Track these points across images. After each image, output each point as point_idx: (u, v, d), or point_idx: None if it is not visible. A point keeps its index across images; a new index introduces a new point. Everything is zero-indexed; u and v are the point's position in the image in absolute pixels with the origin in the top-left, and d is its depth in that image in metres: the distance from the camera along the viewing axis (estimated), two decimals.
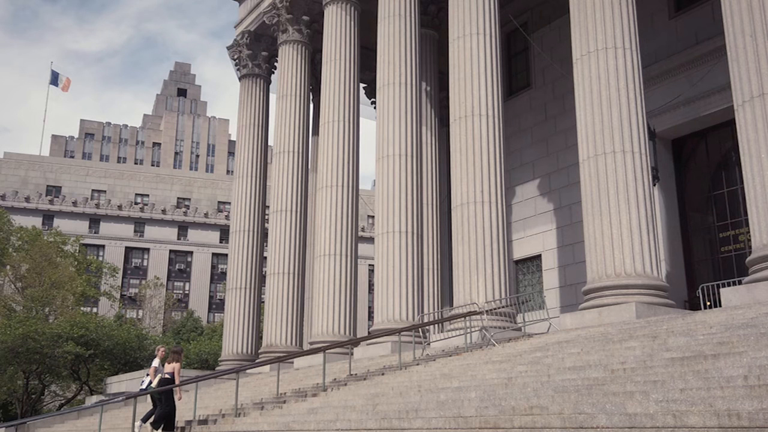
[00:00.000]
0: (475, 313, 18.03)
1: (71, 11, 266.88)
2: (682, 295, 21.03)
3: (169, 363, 15.70)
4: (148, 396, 16.18)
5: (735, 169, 20.36)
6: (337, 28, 26.31)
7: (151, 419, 15.49)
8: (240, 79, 32.75)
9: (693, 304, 19.93)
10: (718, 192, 21.63)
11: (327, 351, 17.85)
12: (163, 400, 15.23)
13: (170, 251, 78.82)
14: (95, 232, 76.22)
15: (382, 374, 16.33)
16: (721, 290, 14.49)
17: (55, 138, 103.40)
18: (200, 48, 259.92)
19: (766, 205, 13.76)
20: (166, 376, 15.48)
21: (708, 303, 17.60)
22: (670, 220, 22.28)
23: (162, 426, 15.13)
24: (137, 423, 15.45)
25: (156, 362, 16.04)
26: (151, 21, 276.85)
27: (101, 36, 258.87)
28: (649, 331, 12.35)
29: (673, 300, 16.50)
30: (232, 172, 46.70)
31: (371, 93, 33.43)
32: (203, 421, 15.87)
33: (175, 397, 15.50)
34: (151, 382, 15.79)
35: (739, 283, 14.62)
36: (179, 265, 79.05)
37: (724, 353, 9.27)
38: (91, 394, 37.00)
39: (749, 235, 14.59)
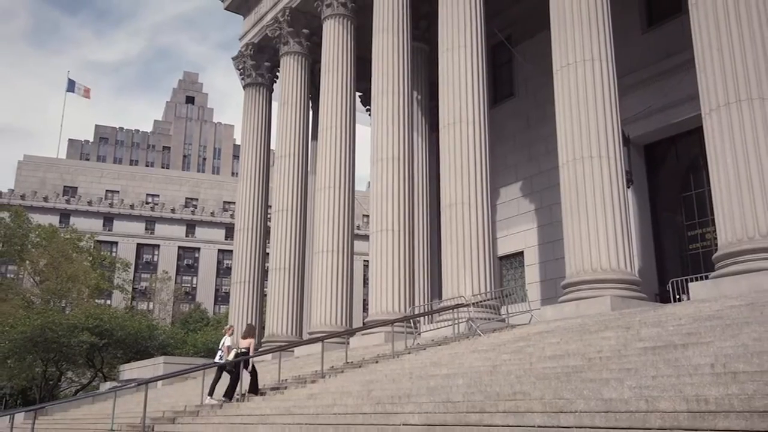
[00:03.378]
0: (462, 305, 18.03)
1: (90, 24, 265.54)
2: (654, 289, 21.07)
3: (244, 338, 16.40)
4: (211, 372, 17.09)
5: (702, 173, 20.40)
6: (335, 40, 26.28)
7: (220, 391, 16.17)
8: (244, 87, 32.66)
9: (663, 298, 19.97)
10: (687, 194, 21.69)
11: (325, 340, 17.83)
12: (237, 371, 15.86)
13: (179, 247, 78.56)
14: (109, 230, 75.90)
15: (376, 362, 16.32)
16: (690, 285, 14.54)
17: (71, 142, 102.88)
18: (209, 59, 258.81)
19: (731, 206, 13.81)
20: (243, 349, 16.07)
21: (677, 296, 17.62)
22: (643, 220, 22.34)
23: (248, 390, 15.85)
24: (208, 398, 16.05)
25: (228, 340, 16.69)
26: (164, 34, 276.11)
27: (118, 47, 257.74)
28: (623, 322, 12.37)
29: (645, 293, 16.53)
30: (237, 174, 46.54)
31: (366, 101, 33.36)
32: (212, 406, 15.85)
33: (249, 368, 16.02)
34: (222, 357, 16.56)
35: (706, 278, 14.66)
36: (187, 261, 78.81)
37: (692, 343, 9.31)
38: (105, 381, 36.89)
39: (715, 234, 14.65)
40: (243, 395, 15.88)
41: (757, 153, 13.60)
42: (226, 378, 16.29)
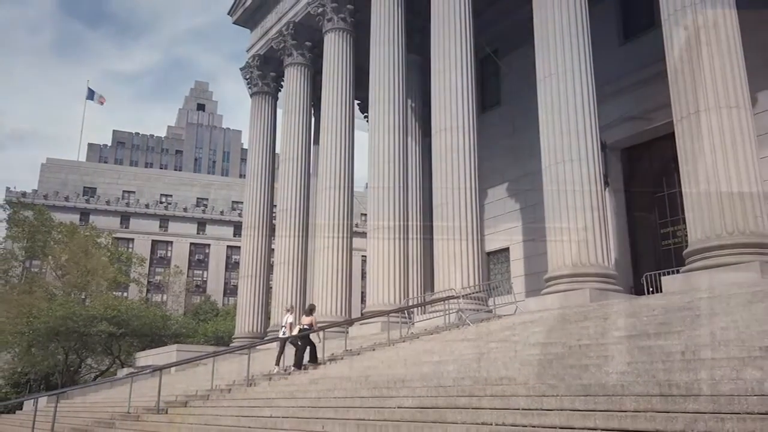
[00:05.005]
0: (453, 297, 18.06)
1: (111, 37, 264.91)
2: (629, 282, 21.10)
3: (306, 316, 16.99)
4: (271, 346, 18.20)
5: (674, 175, 20.36)
6: (335, 52, 26.25)
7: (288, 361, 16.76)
8: (251, 96, 32.59)
9: (638, 290, 19.99)
10: (660, 194, 21.72)
11: (326, 330, 17.82)
12: (302, 343, 16.45)
13: (191, 244, 78.37)
14: (126, 228, 75.69)
15: (373, 350, 16.33)
16: (662, 278, 14.55)
17: (91, 146, 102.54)
18: (220, 69, 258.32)
19: (700, 206, 13.85)
20: (305, 326, 16.72)
21: (651, 289, 17.64)
22: (619, 219, 22.36)
23: (308, 360, 16.32)
24: (275, 368, 16.59)
25: (291, 318, 17.54)
26: (179, 46, 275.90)
27: (136, 59, 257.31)
28: (601, 313, 12.40)
29: (621, 286, 16.56)
30: (245, 175, 46.47)
31: (364, 108, 33.27)
32: (221, 390, 15.85)
33: (314, 340, 16.64)
34: (285, 333, 17.36)
35: (678, 272, 14.70)
36: (198, 256, 78.64)
37: (664, 332, 9.33)
38: (122, 367, 36.80)
39: (686, 231, 14.68)
40: (250, 379, 15.87)
41: (725, 157, 13.65)
42: (289, 350, 17.00)
